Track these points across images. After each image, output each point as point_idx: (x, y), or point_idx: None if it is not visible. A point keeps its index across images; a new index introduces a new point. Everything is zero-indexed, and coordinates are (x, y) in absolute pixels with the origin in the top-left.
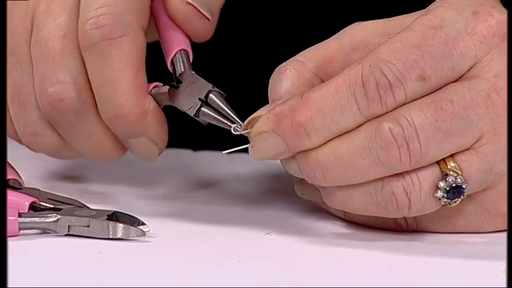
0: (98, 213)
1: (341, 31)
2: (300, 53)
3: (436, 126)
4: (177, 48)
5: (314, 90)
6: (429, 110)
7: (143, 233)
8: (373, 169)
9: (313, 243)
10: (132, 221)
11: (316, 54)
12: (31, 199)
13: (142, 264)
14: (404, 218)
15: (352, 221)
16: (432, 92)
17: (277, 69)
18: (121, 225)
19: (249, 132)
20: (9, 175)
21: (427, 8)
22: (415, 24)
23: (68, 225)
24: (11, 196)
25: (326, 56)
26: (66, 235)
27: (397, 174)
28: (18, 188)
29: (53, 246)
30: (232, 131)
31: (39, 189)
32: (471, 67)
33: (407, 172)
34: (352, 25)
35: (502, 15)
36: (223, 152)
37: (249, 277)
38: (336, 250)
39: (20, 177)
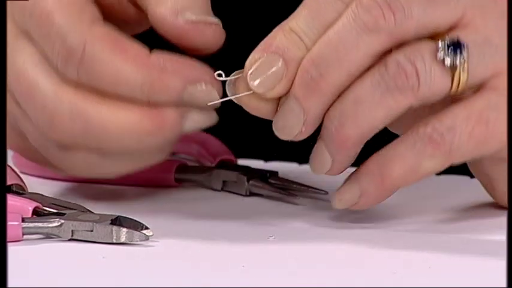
0: (101, 218)
1: None
2: None
3: None
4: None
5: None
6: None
7: (147, 238)
8: (361, 38)
9: (316, 246)
10: (135, 226)
11: None
12: (34, 204)
13: (146, 269)
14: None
15: None
16: None
17: None
18: (124, 229)
19: (235, 79)
20: (12, 180)
21: None
22: None
23: (72, 230)
24: (14, 201)
25: None
26: (70, 240)
27: (396, 49)
28: (21, 193)
29: (56, 250)
30: (216, 76)
31: (42, 194)
32: None
33: (405, 45)
34: None
35: None
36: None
37: (253, 282)
38: (340, 254)
39: (23, 182)
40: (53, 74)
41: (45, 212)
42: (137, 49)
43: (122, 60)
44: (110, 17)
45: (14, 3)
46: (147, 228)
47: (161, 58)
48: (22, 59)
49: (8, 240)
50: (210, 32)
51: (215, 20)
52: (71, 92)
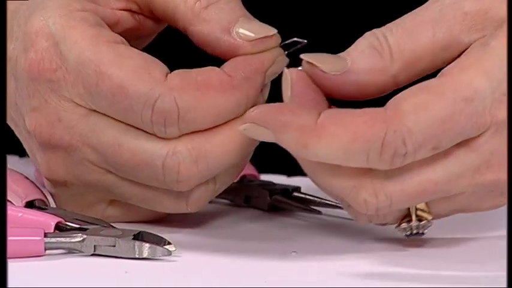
0: (124, 233)
1: None
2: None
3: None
4: None
5: (331, 122)
6: (411, 188)
7: (169, 253)
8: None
9: (338, 262)
10: (158, 241)
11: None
12: (57, 219)
13: (169, 283)
14: None
15: None
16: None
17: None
18: (147, 245)
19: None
20: (35, 195)
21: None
22: (447, 90)
23: (94, 245)
24: (37, 216)
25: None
26: (92, 255)
27: None
28: (44, 208)
29: (78, 265)
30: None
31: (65, 209)
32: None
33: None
34: None
35: None
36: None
37: None
38: (362, 269)
39: (45, 197)
40: (151, 136)
41: (67, 227)
42: (216, 76)
43: (214, 95)
44: (126, 35)
45: (73, 85)
46: (169, 243)
47: (238, 74)
48: (107, 134)
49: (30, 255)
50: (272, 43)
51: (272, 30)
52: (178, 141)
